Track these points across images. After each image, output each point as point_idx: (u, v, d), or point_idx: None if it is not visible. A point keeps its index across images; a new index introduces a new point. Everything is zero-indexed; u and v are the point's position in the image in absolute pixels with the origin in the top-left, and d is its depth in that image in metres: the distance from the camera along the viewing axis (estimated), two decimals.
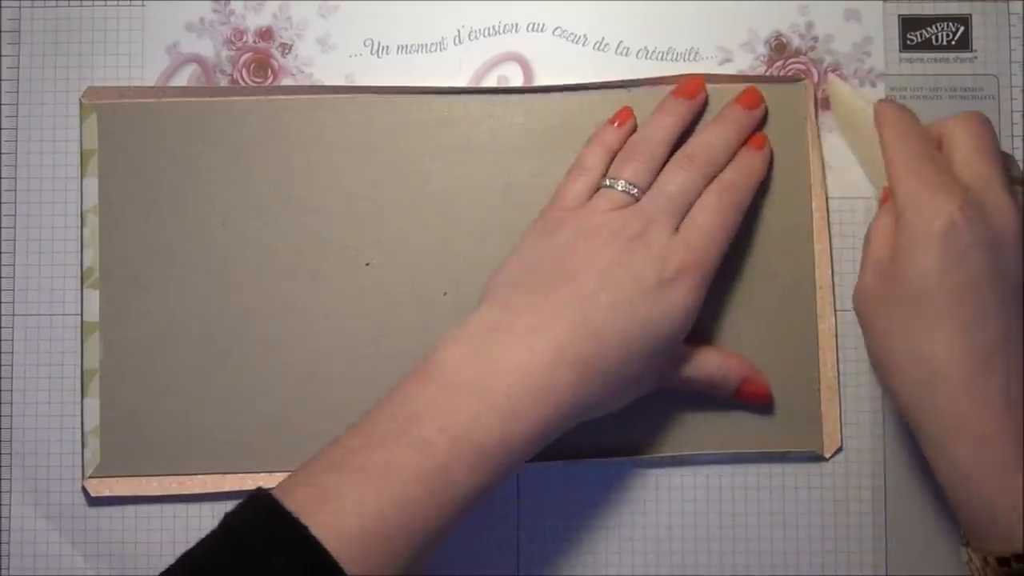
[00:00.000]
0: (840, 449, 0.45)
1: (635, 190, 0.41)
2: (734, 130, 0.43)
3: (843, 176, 0.45)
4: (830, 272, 0.45)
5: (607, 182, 0.42)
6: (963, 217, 0.36)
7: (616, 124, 0.44)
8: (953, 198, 0.37)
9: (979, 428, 0.36)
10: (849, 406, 0.45)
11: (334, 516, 0.33)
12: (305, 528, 0.33)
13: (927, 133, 0.40)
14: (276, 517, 0.33)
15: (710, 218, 0.41)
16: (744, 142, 0.44)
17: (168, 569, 0.34)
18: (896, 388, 0.38)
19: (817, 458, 0.45)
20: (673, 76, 0.45)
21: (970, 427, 0.36)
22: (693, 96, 0.44)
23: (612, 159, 0.43)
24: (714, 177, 0.42)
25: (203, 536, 0.34)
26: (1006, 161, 0.40)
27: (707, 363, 0.43)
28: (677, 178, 0.41)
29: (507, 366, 0.37)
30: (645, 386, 0.41)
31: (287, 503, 0.34)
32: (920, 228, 0.37)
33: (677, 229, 0.41)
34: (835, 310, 0.45)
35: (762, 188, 0.44)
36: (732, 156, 0.43)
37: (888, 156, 0.39)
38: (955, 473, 0.36)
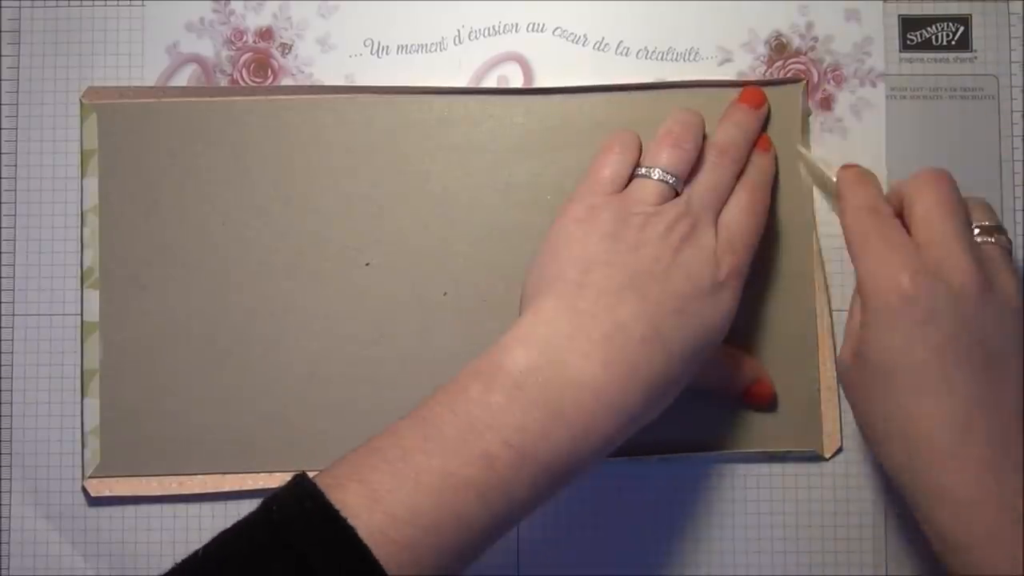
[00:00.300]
0: (840, 449, 0.45)
1: (672, 179, 0.40)
2: (750, 127, 0.43)
3: None
4: (823, 273, 0.45)
5: (642, 170, 0.41)
6: (916, 288, 0.36)
7: None
8: (904, 270, 0.36)
9: (961, 496, 0.35)
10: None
11: (385, 521, 0.32)
12: (353, 530, 0.31)
13: (882, 201, 0.40)
14: (323, 514, 0.32)
15: (747, 219, 0.41)
16: (755, 142, 0.44)
17: (203, 552, 0.32)
18: (881, 457, 0.38)
19: (817, 458, 0.45)
20: (676, 81, 0.45)
21: (952, 496, 0.35)
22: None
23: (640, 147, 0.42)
24: (740, 171, 0.42)
25: (240, 520, 0.33)
26: (973, 211, 0.39)
27: (722, 364, 0.43)
28: (715, 174, 0.41)
29: (580, 379, 0.35)
30: (681, 389, 0.39)
31: (334, 497, 0.32)
32: (878, 305, 0.37)
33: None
34: (831, 310, 0.45)
35: None
36: (750, 151, 0.43)
37: (844, 231, 0.40)
38: (943, 541, 0.36)
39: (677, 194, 0.40)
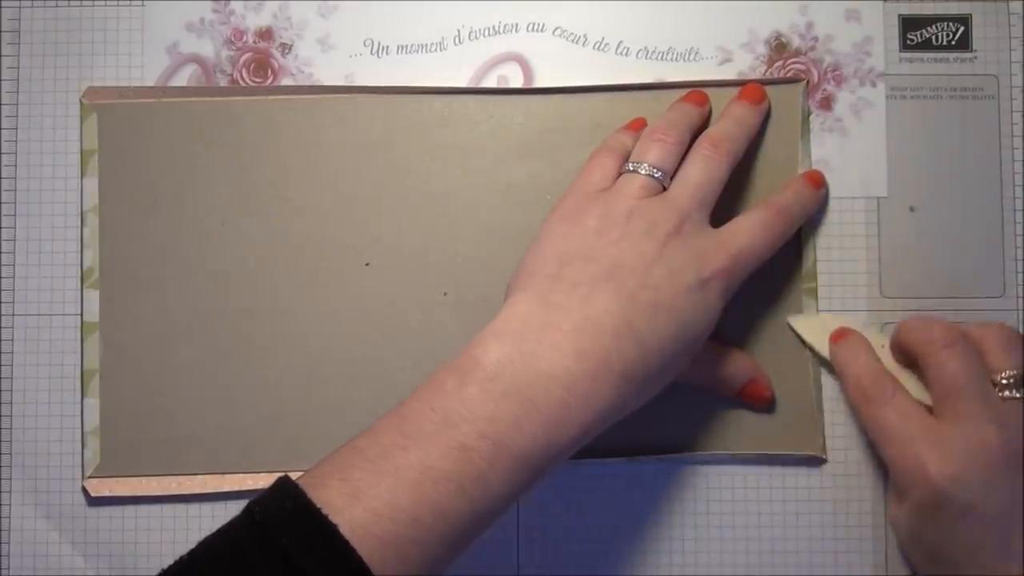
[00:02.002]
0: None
1: (659, 174, 0.40)
2: (748, 122, 0.43)
3: (843, 176, 0.45)
4: (805, 271, 0.45)
5: (630, 166, 0.41)
6: (946, 484, 0.37)
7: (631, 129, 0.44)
8: (930, 464, 0.38)
9: None
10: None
11: (366, 517, 0.32)
12: (334, 527, 0.32)
13: (879, 372, 0.41)
14: (305, 512, 0.32)
15: (758, 235, 0.40)
16: (753, 137, 0.44)
17: (188, 557, 0.33)
18: None
19: (817, 459, 0.45)
20: (676, 82, 0.45)
21: None
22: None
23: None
24: (735, 164, 0.42)
25: (224, 524, 0.33)
26: (991, 351, 0.39)
27: (715, 361, 0.43)
28: (703, 166, 0.41)
29: (551, 371, 0.35)
30: (665, 383, 0.39)
31: (316, 496, 0.33)
32: (912, 499, 0.39)
33: (710, 221, 0.40)
34: (818, 311, 0.45)
35: (760, 186, 0.44)
36: (746, 147, 0.43)
37: (855, 416, 0.41)
38: None
39: (664, 189, 0.40)
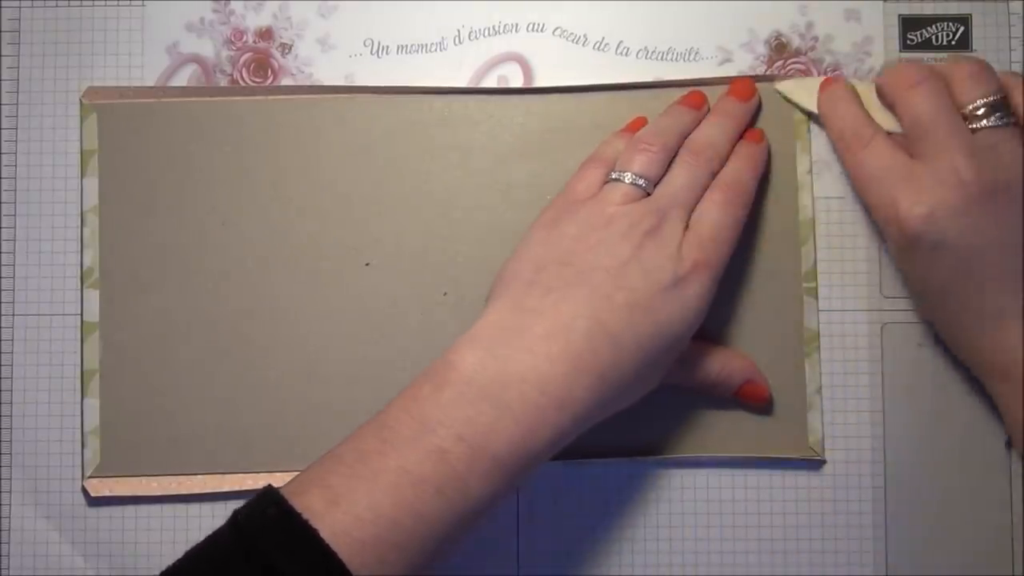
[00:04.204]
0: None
1: (643, 182, 0.40)
2: (732, 122, 0.43)
3: (843, 176, 0.45)
4: (805, 271, 0.45)
5: (614, 174, 0.41)
6: (917, 223, 0.38)
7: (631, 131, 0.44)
8: (902, 205, 0.39)
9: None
10: (849, 406, 0.45)
11: (347, 521, 0.33)
12: (315, 531, 0.32)
13: (862, 119, 0.42)
14: (287, 518, 0.33)
15: (718, 215, 0.40)
16: (742, 135, 0.44)
17: (173, 566, 0.33)
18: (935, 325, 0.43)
19: (816, 459, 0.45)
20: (675, 80, 0.45)
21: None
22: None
23: None
24: (719, 170, 0.42)
25: (210, 533, 0.34)
26: (962, 86, 0.40)
27: (711, 362, 0.43)
28: (685, 173, 0.41)
29: (525, 374, 0.36)
30: (651, 384, 0.40)
31: (297, 502, 0.33)
32: (889, 239, 0.40)
33: (687, 225, 0.40)
34: (818, 311, 0.45)
35: (760, 186, 0.44)
36: (732, 148, 0.43)
37: (845, 168, 0.43)
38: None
39: (648, 196, 0.40)
